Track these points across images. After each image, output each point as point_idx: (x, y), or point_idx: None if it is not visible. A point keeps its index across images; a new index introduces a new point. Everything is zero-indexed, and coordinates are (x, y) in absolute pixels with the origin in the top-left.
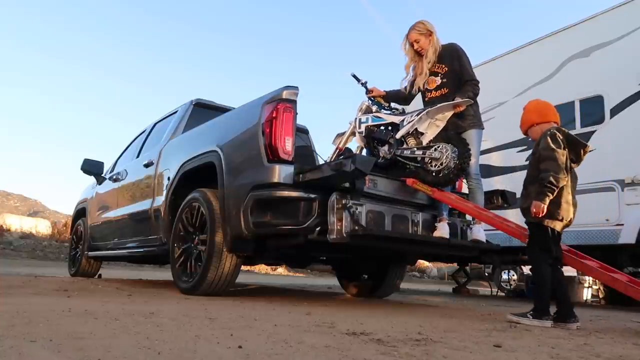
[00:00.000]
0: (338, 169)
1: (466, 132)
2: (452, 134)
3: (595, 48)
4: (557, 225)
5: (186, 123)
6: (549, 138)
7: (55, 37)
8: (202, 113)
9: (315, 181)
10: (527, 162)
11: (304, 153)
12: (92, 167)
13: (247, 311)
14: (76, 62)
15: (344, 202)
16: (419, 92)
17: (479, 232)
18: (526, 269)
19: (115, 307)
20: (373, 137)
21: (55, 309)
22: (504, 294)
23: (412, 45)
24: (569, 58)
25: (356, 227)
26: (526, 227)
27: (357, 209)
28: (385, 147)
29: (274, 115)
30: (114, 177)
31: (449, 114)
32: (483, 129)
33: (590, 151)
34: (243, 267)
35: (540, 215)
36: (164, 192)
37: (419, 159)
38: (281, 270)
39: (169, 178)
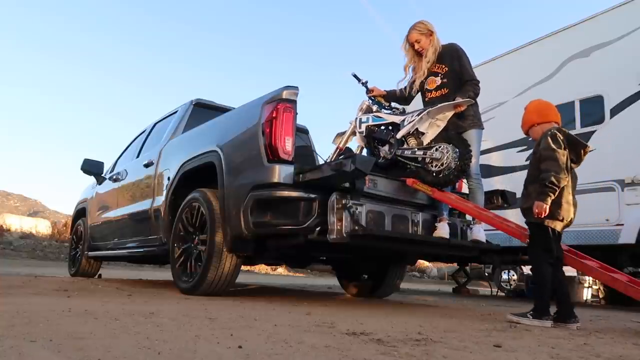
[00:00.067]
0: (338, 169)
1: (466, 132)
2: (453, 134)
3: (595, 48)
4: (558, 226)
5: (186, 123)
6: (549, 138)
7: (55, 37)
8: (202, 113)
9: (315, 181)
10: (527, 162)
11: (304, 153)
12: (92, 167)
13: (247, 311)
14: (76, 62)
15: (344, 202)
16: (418, 92)
17: (479, 232)
18: (526, 269)
19: (115, 307)
20: (373, 137)
21: (55, 309)
22: (504, 294)
23: (412, 45)
24: (569, 58)
25: (356, 227)
26: (526, 227)
27: (357, 209)
28: (386, 147)
29: (274, 115)
30: (114, 177)
31: (449, 114)
32: (483, 129)
33: (590, 151)
34: (243, 267)
35: (543, 216)
36: (164, 192)
37: (419, 159)
38: (281, 270)
39: (169, 178)
